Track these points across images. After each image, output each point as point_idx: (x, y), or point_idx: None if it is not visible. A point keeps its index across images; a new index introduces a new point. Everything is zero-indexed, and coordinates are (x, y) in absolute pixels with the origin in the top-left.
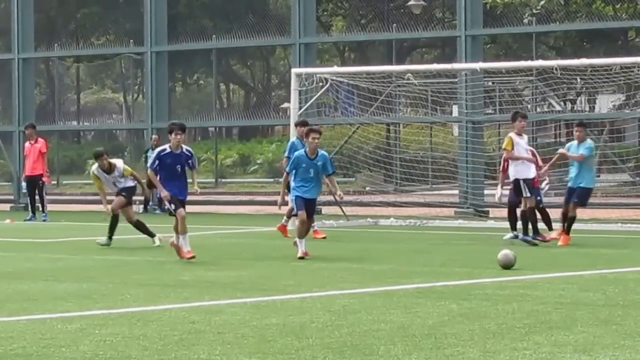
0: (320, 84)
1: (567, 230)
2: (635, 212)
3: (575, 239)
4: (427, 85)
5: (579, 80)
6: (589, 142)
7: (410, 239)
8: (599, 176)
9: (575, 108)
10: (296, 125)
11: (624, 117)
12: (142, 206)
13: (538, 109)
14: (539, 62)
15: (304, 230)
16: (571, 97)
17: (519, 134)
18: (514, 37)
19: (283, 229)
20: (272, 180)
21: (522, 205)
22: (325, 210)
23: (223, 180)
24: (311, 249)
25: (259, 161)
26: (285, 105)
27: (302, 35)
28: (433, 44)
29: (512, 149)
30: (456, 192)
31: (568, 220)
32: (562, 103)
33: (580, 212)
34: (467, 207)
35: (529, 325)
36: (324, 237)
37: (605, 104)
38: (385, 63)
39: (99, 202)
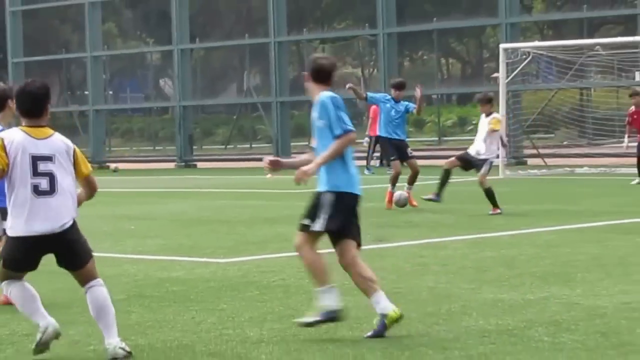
0: (524, 56)
1: None
2: None
3: None
4: (613, 55)
5: None
6: None
7: (600, 184)
8: None
9: None
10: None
11: None
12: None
13: None
14: None
15: None
16: None
17: None
18: None
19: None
20: None
21: None
22: (530, 161)
23: (445, 138)
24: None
25: (474, 122)
26: (495, 75)
27: (508, 16)
28: (618, 20)
29: None
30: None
31: None
32: None
33: None
34: None
35: None
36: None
37: None
38: (577, 37)
39: None
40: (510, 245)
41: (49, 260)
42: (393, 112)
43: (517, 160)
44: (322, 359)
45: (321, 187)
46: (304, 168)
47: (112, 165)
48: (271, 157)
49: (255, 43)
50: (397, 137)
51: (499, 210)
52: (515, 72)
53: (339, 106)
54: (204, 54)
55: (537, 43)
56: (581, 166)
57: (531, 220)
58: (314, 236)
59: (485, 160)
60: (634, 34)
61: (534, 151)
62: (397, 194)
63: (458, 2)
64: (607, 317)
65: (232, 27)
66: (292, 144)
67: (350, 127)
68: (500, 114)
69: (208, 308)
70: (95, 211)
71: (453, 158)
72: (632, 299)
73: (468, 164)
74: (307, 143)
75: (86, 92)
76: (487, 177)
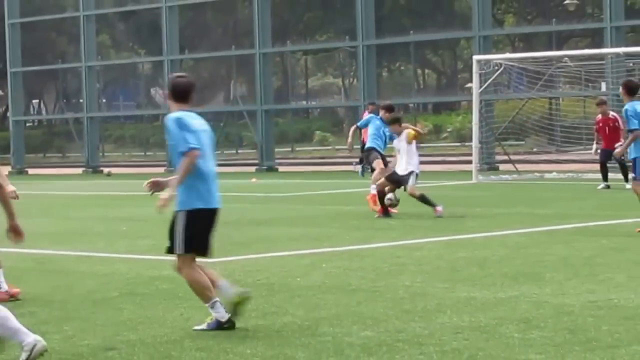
0: (496, 67)
1: None
2: None
3: None
4: (580, 66)
5: None
6: None
7: (568, 189)
8: None
9: None
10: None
11: None
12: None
13: None
14: None
15: None
16: None
17: None
18: None
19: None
20: (459, 144)
21: None
22: (501, 167)
23: (420, 145)
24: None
25: (449, 129)
26: (469, 85)
27: (481, 29)
28: (584, 34)
29: None
30: None
31: None
32: None
33: None
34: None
35: None
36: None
37: None
38: (547, 50)
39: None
40: (482, 247)
41: (45, 259)
42: (382, 130)
43: (489, 165)
44: (304, 353)
45: (175, 205)
46: (161, 196)
47: (106, 170)
48: (152, 179)
49: (241, 54)
50: (382, 151)
51: (439, 208)
52: (488, 83)
53: (183, 126)
54: (193, 65)
55: (508, 55)
56: (550, 172)
57: (502, 222)
58: (185, 257)
59: (409, 174)
60: (600, 46)
61: (506, 157)
62: (387, 196)
63: (434, 15)
64: (574, 315)
65: (219, 39)
66: (275, 149)
67: (194, 145)
68: (473, 122)
69: (196, 305)
70: (90, 213)
71: (383, 179)
72: (597, 298)
73: (398, 183)
74: (290, 149)
75: (81, 101)
76: (417, 186)
